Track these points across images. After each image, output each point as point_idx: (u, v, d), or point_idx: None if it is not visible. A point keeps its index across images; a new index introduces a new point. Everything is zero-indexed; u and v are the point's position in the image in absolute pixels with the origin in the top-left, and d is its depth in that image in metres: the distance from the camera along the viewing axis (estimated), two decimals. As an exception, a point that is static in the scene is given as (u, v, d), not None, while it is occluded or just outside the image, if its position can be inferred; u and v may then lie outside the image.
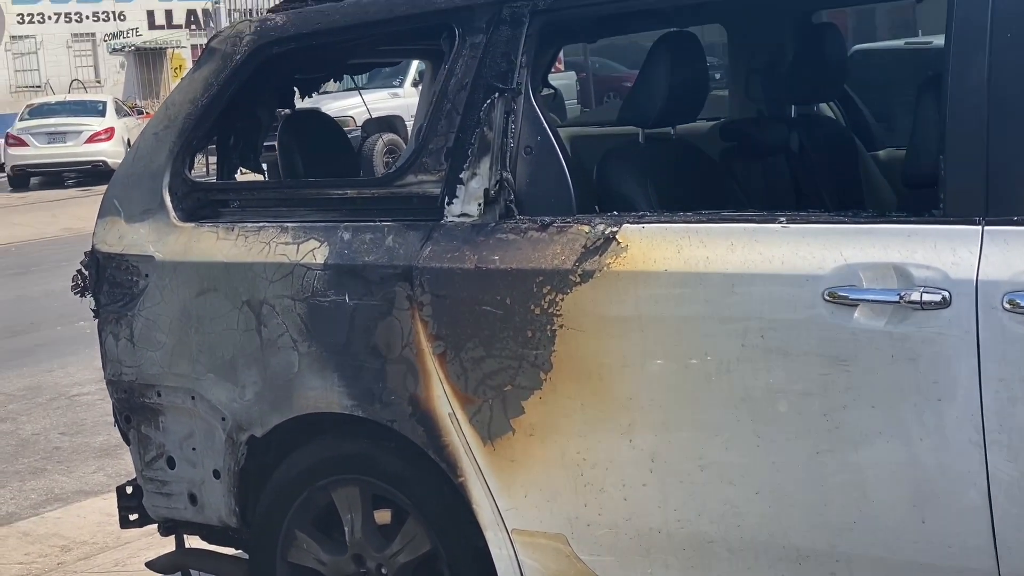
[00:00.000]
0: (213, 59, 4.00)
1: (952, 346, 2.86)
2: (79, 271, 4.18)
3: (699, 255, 3.15)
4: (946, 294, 2.86)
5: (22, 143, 27.19)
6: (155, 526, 4.29)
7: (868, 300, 2.94)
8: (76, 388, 9.12)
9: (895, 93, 6.07)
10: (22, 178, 27.44)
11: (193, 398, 3.90)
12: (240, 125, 4.18)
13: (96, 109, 28.26)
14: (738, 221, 3.18)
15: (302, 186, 4.03)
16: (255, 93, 4.12)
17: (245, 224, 3.83)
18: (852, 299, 2.96)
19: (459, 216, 3.49)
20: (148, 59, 37.42)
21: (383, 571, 3.71)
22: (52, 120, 27.43)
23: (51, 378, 9.50)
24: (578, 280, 3.26)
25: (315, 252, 3.65)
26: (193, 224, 3.93)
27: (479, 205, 3.47)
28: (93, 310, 4.16)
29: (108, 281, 4.05)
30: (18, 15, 34.69)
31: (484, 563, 3.50)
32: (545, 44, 3.65)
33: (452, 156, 3.51)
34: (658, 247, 3.20)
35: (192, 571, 4.43)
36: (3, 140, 27.87)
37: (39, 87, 34.27)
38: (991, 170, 2.89)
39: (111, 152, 27.10)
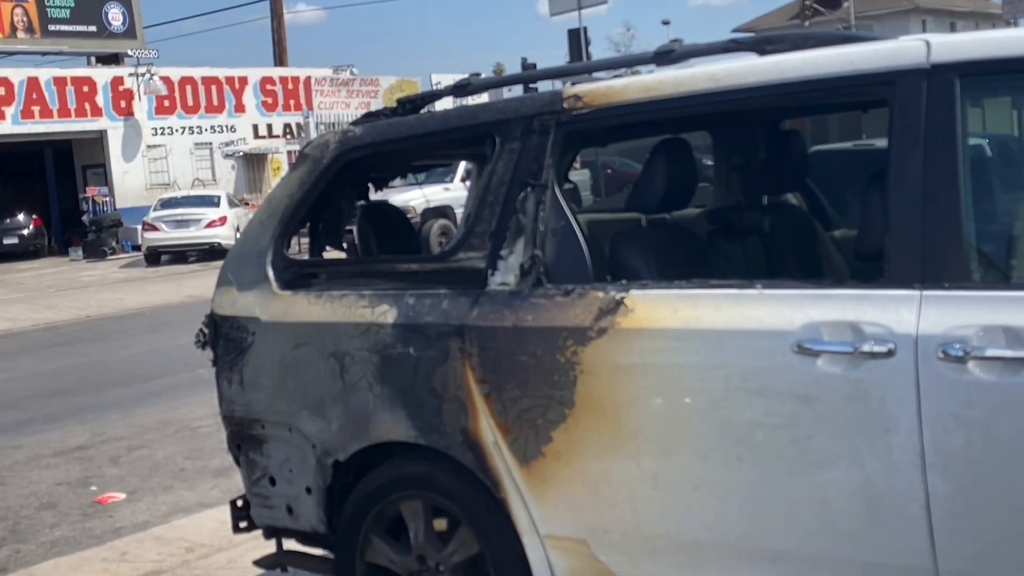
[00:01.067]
0: (305, 163, 4.01)
1: (897, 388, 2.80)
2: (201, 329, 4.17)
3: (691, 315, 3.11)
4: (892, 346, 2.81)
5: (155, 228, 27.34)
6: (260, 532, 4.25)
7: (829, 351, 2.89)
8: (197, 421, 9.09)
9: (846, 184, 6.02)
10: (155, 256, 27.55)
11: (290, 430, 3.87)
12: (326, 214, 4.16)
13: (212, 201, 28.36)
14: (723, 287, 3.13)
15: (375, 262, 4.00)
16: (338, 188, 4.11)
17: (331, 292, 3.81)
18: (816, 350, 2.90)
19: (500, 285, 3.47)
20: (253, 162, 37.59)
21: (440, 568, 3.64)
22: (178, 210, 27.55)
23: (177, 414, 9.47)
24: (594, 335, 3.22)
25: (386, 314, 3.63)
26: (290, 292, 3.91)
27: (515, 276, 3.44)
28: (212, 360, 4.14)
29: (224, 337, 4.04)
30: (152, 128, 35.00)
31: (522, 563, 3.44)
32: (567, 149, 3.63)
33: (494, 238, 3.49)
34: (658, 309, 3.17)
35: (290, 568, 4.39)
36: (141, 226, 28.04)
37: (168, 184, 34.43)
38: (926, 246, 2.85)
39: (224, 235, 27.22)
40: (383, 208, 4.43)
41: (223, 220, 27.40)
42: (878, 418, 2.83)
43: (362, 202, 4.32)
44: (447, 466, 3.55)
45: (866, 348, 2.84)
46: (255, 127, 37.79)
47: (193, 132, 36.04)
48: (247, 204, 31.93)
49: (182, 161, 35.62)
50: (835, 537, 2.93)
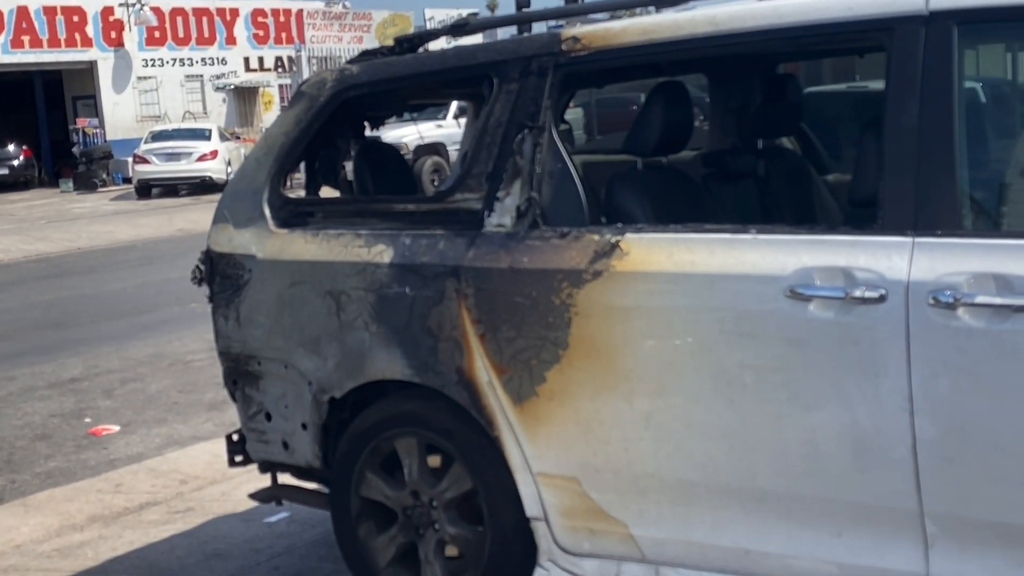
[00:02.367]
0: (302, 100, 3.99)
1: (887, 333, 2.83)
2: (197, 266, 4.17)
3: (686, 259, 3.13)
4: (883, 291, 2.84)
5: (146, 161, 27.22)
6: (254, 466, 4.30)
7: (821, 296, 2.91)
8: (191, 355, 9.13)
9: (840, 127, 6.02)
10: (145, 189, 27.46)
11: (286, 367, 3.89)
12: (323, 152, 4.16)
13: (204, 135, 28.20)
14: (717, 232, 3.15)
15: (372, 201, 3.99)
16: (335, 127, 4.09)
17: (327, 231, 3.82)
18: (808, 295, 2.93)
19: (496, 226, 3.48)
20: (244, 96, 37.33)
21: (434, 504, 3.68)
22: (169, 143, 27.41)
23: (171, 347, 9.51)
24: (589, 278, 3.24)
25: (383, 253, 3.64)
26: (287, 231, 3.91)
27: (512, 218, 3.45)
28: (208, 296, 4.16)
29: (220, 274, 4.05)
30: (143, 60, 34.68)
31: (514, 499, 3.48)
32: (564, 90, 3.62)
33: (491, 179, 3.49)
34: (653, 252, 3.18)
35: (284, 501, 4.44)
36: (131, 159, 27.90)
37: (159, 117, 34.18)
38: (919, 194, 2.87)
39: (215, 169, 27.13)
40: (379, 147, 4.42)
41: (214, 154, 27.28)
42: (868, 362, 2.86)
43: (359, 141, 4.30)
44: (442, 404, 3.58)
45: (858, 294, 2.86)
46: (246, 60, 37.49)
47: (184, 64, 35.74)
48: (238, 138, 31.74)
49: (173, 94, 35.35)
50: (822, 478, 2.97)
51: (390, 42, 4.02)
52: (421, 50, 3.96)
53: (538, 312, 3.31)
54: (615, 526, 3.31)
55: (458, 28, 3.90)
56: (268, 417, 4.01)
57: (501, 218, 3.46)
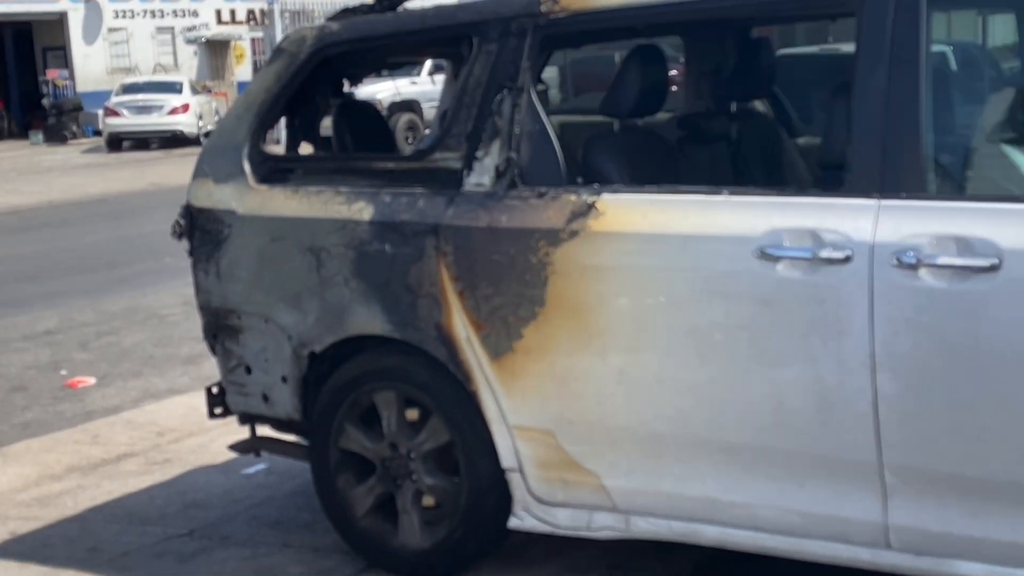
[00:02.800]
0: (282, 57, 4.02)
1: (852, 292, 2.94)
2: (177, 221, 4.22)
3: (660, 220, 3.22)
4: (849, 252, 2.94)
5: (117, 114, 27.02)
6: (232, 419, 4.37)
7: (789, 257, 3.01)
8: (165, 310, 9.16)
9: (811, 90, 6.08)
10: (116, 142, 27.27)
11: (266, 321, 3.95)
12: (302, 109, 4.20)
13: (175, 88, 28.00)
14: (690, 193, 3.24)
15: (352, 159, 4.05)
16: (314, 84, 4.13)
17: (308, 187, 3.87)
18: (777, 255, 3.03)
19: (475, 186, 3.54)
20: (215, 49, 36.99)
21: (411, 455, 3.76)
22: (140, 96, 27.22)
23: (145, 301, 9.53)
24: (566, 237, 3.32)
25: (363, 211, 3.70)
26: (267, 186, 3.96)
27: (491, 177, 3.52)
28: (188, 251, 4.21)
29: (200, 229, 4.09)
30: (114, 11, 34.30)
31: (490, 451, 3.58)
32: (543, 51, 3.68)
33: (470, 139, 3.56)
34: (628, 213, 3.27)
35: (262, 452, 4.52)
36: (102, 111, 27.67)
37: (129, 69, 33.86)
38: (886, 157, 2.96)
39: (187, 123, 27.00)
40: (358, 104, 4.47)
41: (186, 107, 27.11)
42: (832, 321, 2.97)
43: (338, 98, 4.35)
44: (420, 359, 3.66)
45: (824, 255, 2.96)
46: (218, 13, 37.13)
47: (155, 16, 35.37)
48: (210, 92, 31.51)
49: (144, 46, 35.00)
50: (787, 431, 3.09)
51: None
52: (401, 8, 4.00)
53: (516, 270, 3.40)
54: (588, 477, 3.42)
55: (438, -12, 3.95)
56: (248, 370, 4.07)
57: (480, 177, 3.53)
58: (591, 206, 3.31)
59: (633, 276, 3.24)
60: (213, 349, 4.24)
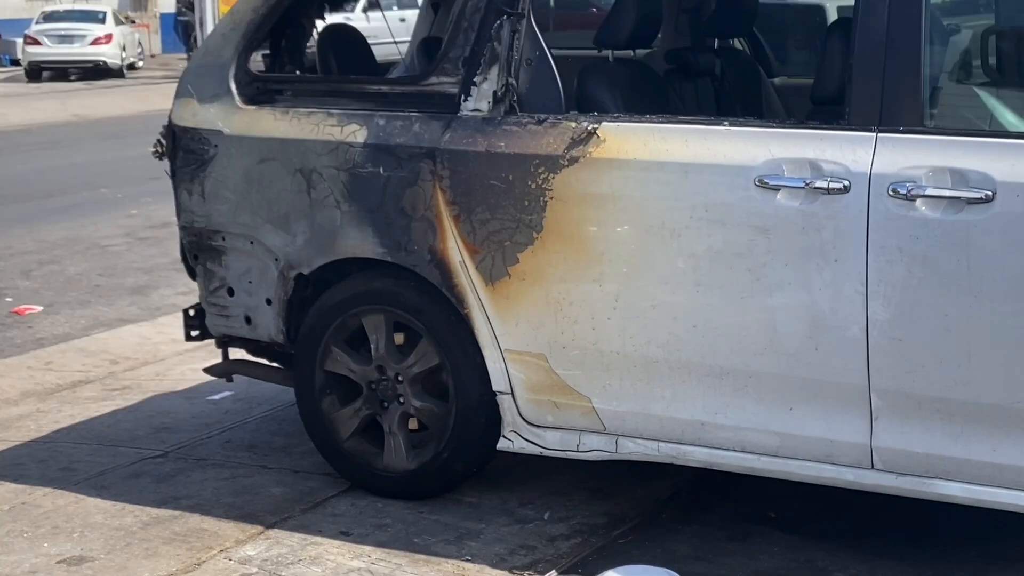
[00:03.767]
0: (272, -22, 4.03)
1: (849, 221, 3.07)
2: (158, 140, 4.22)
3: (661, 148, 3.31)
4: (847, 183, 3.07)
5: (37, 42, 26.32)
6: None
7: (788, 186, 3.14)
8: (106, 240, 9.08)
9: (784, 36, 6.21)
10: (36, 72, 26.58)
11: (252, 243, 3.97)
12: (289, 31, 4.21)
13: (98, 17, 27.37)
14: (691, 123, 3.34)
15: (344, 81, 4.06)
16: (302, 6, 4.15)
17: (298, 109, 3.88)
18: (776, 185, 3.15)
19: (472, 111, 3.60)
20: (138, -23, 36.23)
21: (399, 378, 3.83)
22: (62, 24, 26.54)
23: (84, 231, 9.42)
24: (566, 163, 3.41)
25: (356, 133, 3.73)
26: (254, 107, 3.97)
27: (489, 103, 3.58)
28: (169, 171, 4.21)
29: (183, 149, 4.08)
30: (31, -65, 33.28)
31: (480, 374, 3.66)
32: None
33: (468, 64, 3.61)
34: (629, 141, 3.36)
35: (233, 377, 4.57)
36: (22, 40, 26.93)
37: (48, -4, 33.01)
38: (885, 92, 3.09)
39: (110, 54, 26.46)
40: (344, 28, 4.48)
41: (109, 38, 26.55)
42: (828, 249, 3.11)
43: (324, 22, 4.36)
44: (412, 283, 3.73)
45: (823, 184, 3.09)
46: (141, -60, 36.19)
47: (75, -60, 34.35)
48: (133, 23, 30.84)
49: (64, -27, 34.02)
50: (779, 356, 3.23)
51: None
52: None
53: (514, 195, 3.47)
54: (579, 400, 3.54)
55: (432, -87, 3.98)
56: (231, 292, 4.10)
57: (478, 103, 3.59)
58: (592, 133, 3.39)
59: (633, 203, 3.34)
60: (192, 272, 4.26)
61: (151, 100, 22.31)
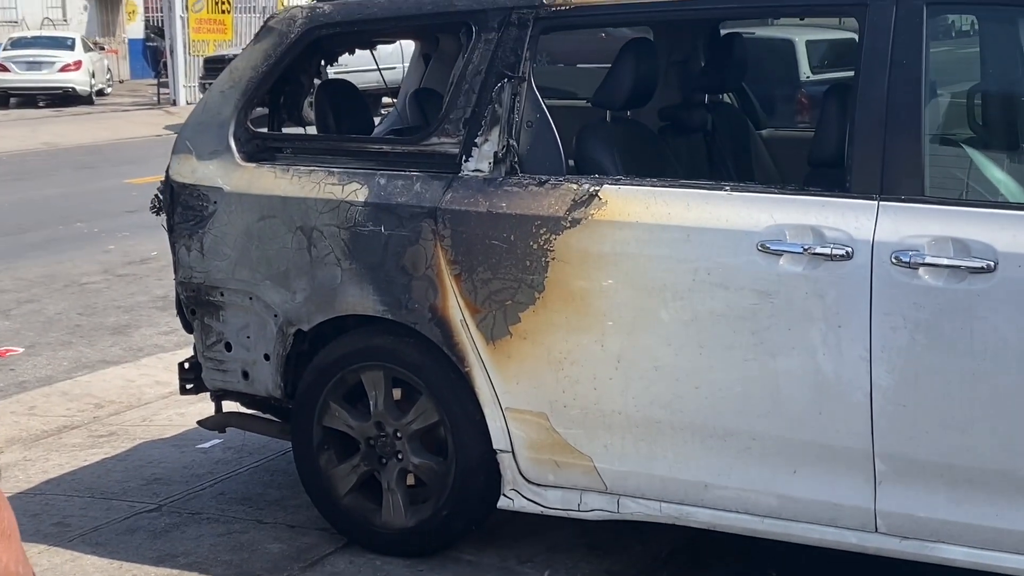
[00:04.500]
0: (271, 36, 4.02)
1: (852, 288, 3.11)
2: (156, 195, 4.21)
3: (663, 211, 3.34)
4: (850, 249, 3.11)
5: (5, 69, 26.02)
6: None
7: (791, 251, 3.17)
8: (85, 277, 8.99)
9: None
10: (4, 98, 26.26)
11: (251, 298, 3.97)
12: (288, 88, 4.21)
13: (66, 44, 27.11)
14: (693, 187, 3.37)
15: (345, 140, 4.08)
16: (301, 64, 4.15)
17: (298, 167, 3.89)
18: (778, 250, 3.18)
19: (473, 171, 3.62)
20: (107, 4, 35.99)
21: (398, 435, 3.82)
22: (30, 51, 26.27)
23: (62, 268, 9.32)
24: (568, 225, 3.43)
25: (357, 192, 3.74)
26: (254, 164, 3.97)
27: (490, 164, 3.60)
28: (167, 227, 4.18)
29: (182, 205, 4.07)
30: (-1, -39, 33.12)
31: (480, 432, 3.66)
32: (542, 40, 3.75)
33: (469, 125, 3.63)
34: (631, 203, 3.38)
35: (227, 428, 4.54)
36: (-12, 65, 26.69)
37: (15, 23, 32.75)
38: (886, 161, 3.13)
39: (79, 80, 26.26)
40: (340, 84, 4.49)
41: (78, 64, 26.34)
42: (832, 314, 3.14)
43: (320, 78, 4.37)
44: (412, 340, 3.73)
45: (826, 250, 3.13)
46: (110, -34, 36.07)
47: (44, -32, 34.19)
48: (102, 49, 30.68)
49: (31, -1, 33.84)
50: (782, 419, 3.25)
51: None
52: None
53: (515, 255, 3.49)
54: (580, 459, 3.54)
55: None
56: (228, 347, 4.09)
57: (479, 163, 3.61)
58: (594, 195, 3.42)
59: (635, 265, 3.36)
60: (189, 326, 4.24)
61: (121, 128, 22.23)
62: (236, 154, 4.00)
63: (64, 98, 26.03)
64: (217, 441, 5.13)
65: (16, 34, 28.76)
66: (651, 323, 3.36)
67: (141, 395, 6.07)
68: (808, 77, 10.43)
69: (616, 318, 3.40)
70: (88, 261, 9.56)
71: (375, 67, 4.65)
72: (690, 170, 4.20)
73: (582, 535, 3.97)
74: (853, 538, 3.24)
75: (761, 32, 8.82)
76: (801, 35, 10.55)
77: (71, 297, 8.41)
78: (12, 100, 26.35)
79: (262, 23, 4.17)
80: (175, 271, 4.19)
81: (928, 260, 3.02)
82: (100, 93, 27.74)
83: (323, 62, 4.43)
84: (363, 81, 7.58)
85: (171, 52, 25.40)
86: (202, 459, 5.01)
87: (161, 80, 26.77)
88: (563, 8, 3.57)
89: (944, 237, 3.02)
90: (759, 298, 3.22)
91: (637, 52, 3.80)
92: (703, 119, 4.43)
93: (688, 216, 3.30)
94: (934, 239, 3.03)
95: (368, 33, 4.11)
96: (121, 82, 33.10)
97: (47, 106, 26.15)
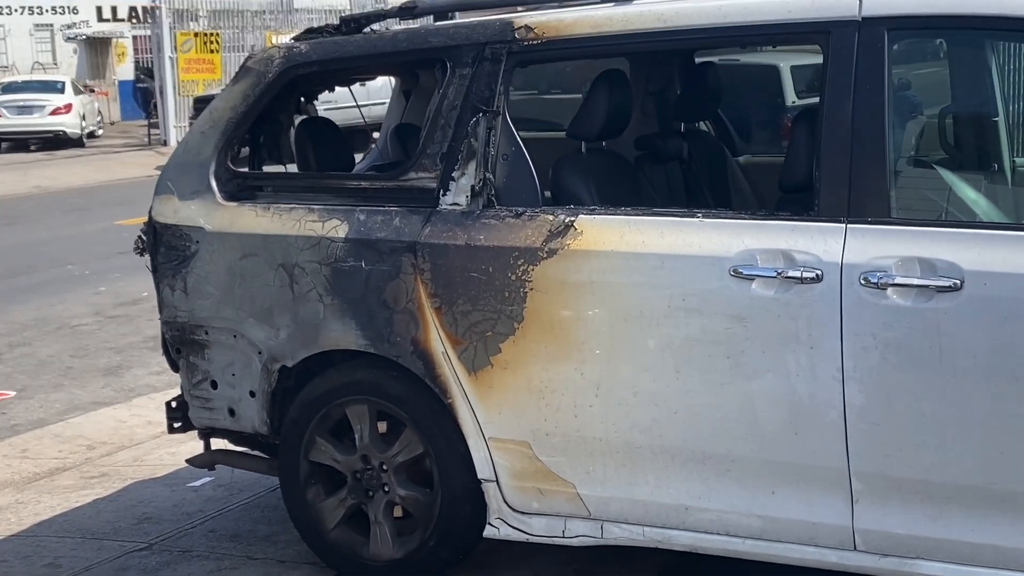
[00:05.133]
0: (249, 76, 4.09)
1: (822, 309, 3.16)
2: (139, 236, 4.26)
3: (637, 239, 3.39)
4: (819, 272, 3.16)
5: (-3, 114, 26.23)
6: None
7: (762, 276, 3.22)
8: (76, 320, 9.04)
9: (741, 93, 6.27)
10: (-5, 143, 26.47)
11: (235, 336, 4.01)
12: (267, 127, 4.27)
13: (57, 88, 27.21)
14: (666, 215, 3.43)
15: (325, 177, 4.13)
16: (280, 103, 4.22)
17: (279, 205, 3.94)
18: (750, 275, 3.23)
19: (451, 205, 3.67)
20: (96, 47, 36.24)
21: (384, 467, 3.86)
22: (21, 96, 26.39)
23: (54, 311, 9.38)
24: (544, 255, 3.48)
25: (337, 228, 3.79)
26: (235, 203, 4.02)
27: (467, 197, 3.65)
28: (150, 267, 4.23)
29: (165, 245, 4.12)
30: (-12, 7, 33.40)
31: (465, 462, 3.70)
32: (515, 74, 3.82)
33: (446, 159, 3.68)
34: (606, 233, 3.44)
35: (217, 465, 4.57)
36: (-20, 112, 26.78)
37: (6, 67, 32.98)
38: (852, 184, 3.19)
39: (70, 123, 26.37)
40: (318, 121, 4.55)
41: (68, 107, 26.45)
42: (804, 336, 3.19)
43: (298, 115, 4.43)
44: (395, 373, 3.77)
45: (796, 274, 3.18)
46: (99, 9, 36.36)
47: (33, 13, 34.47)
48: (92, 91, 30.82)
49: (21, 44, 34.06)
50: (760, 440, 3.29)
51: None
52: (368, 30, 4.11)
53: (494, 287, 3.54)
54: (563, 486, 3.58)
55: (407, 10, 4.07)
56: (214, 385, 4.12)
57: (456, 197, 3.66)
58: (569, 226, 3.47)
59: (611, 293, 3.41)
60: (175, 365, 4.28)
61: (112, 169, 22.32)
62: (217, 193, 4.06)
63: (55, 141, 26.13)
64: (208, 479, 5.17)
65: (6, 79, 28.91)
66: (629, 350, 3.41)
67: (133, 435, 6.11)
68: (794, 102, 10.52)
69: (594, 346, 3.44)
70: (80, 303, 9.61)
71: (361, 103, 4.71)
72: (667, 198, 4.27)
73: (569, 561, 4.00)
74: (833, 556, 3.28)
75: (746, 58, 8.89)
76: (786, 61, 10.61)
77: (63, 340, 8.45)
78: (3, 144, 26.44)
79: (241, 63, 4.23)
80: (160, 310, 4.23)
81: (896, 280, 3.07)
82: (91, 135, 27.85)
83: (303, 100, 4.48)
84: (350, 117, 7.67)
85: (161, 93, 25.54)
86: (193, 497, 5.04)
87: (152, 121, 26.89)
88: (535, 42, 3.64)
89: (911, 257, 3.08)
90: (733, 322, 3.26)
91: (610, 83, 3.86)
92: (679, 147, 4.49)
93: (662, 243, 3.36)
94: (901, 259, 3.08)
95: (346, 71, 4.17)
96: (112, 124, 33.24)
97: (38, 150, 26.25)
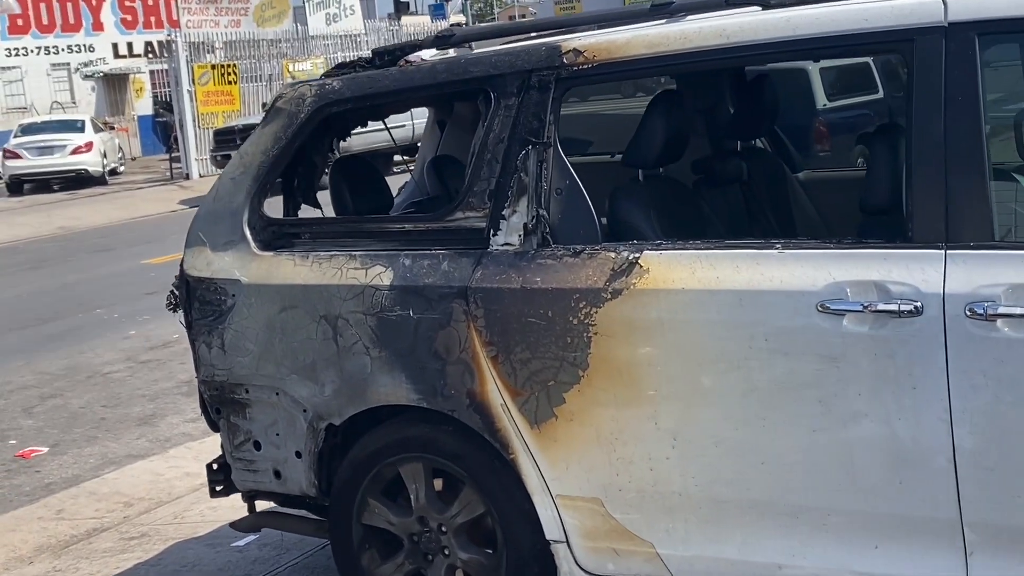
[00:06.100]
0: (280, 117, 3.83)
1: (924, 345, 2.86)
2: (171, 291, 4.01)
3: (711, 275, 3.11)
4: (918, 304, 2.86)
5: (17, 156, 26.13)
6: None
7: (854, 310, 2.92)
8: (107, 367, 8.82)
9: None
10: (17, 185, 26.37)
11: (278, 394, 3.76)
12: (301, 169, 4.02)
13: (76, 127, 27.20)
14: (740, 248, 3.13)
15: (365, 221, 3.86)
16: (314, 143, 3.96)
17: (318, 253, 3.69)
18: (840, 309, 2.94)
19: (503, 245, 3.41)
20: (114, 83, 36.29)
21: (443, 529, 3.61)
22: (41, 136, 26.37)
23: (84, 358, 9.17)
24: (609, 296, 3.20)
25: (382, 275, 3.54)
26: (272, 253, 3.78)
27: (519, 236, 3.38)
28: (185, 324, 3.99)
29: (199, 300, 3.88)
30: (6, 49, 33.40)
31: (531, 522, 3.43)
32: (564, 102, 3.55)
33: (495, 197, 3.41)
34: (675, 269, 3.16)
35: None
36: (1, 154, 26.74)
37: (25, 108, 33.00)
38: (949, 207, 2.90)
39: (91, 162, 26.32)
40: (356, 161, 4.28)
41: (89, 146, 26.42)
42: (904, 375, 2.89)
43: (335, 156, 4.16)
44: (450, 428, 3.50)
45: (892, 307, 2.88)
46: (115, 46, 36.41)
47: (49, 52, 34.54)
48: (112, 128, 30.82)
49: (39, 84, 34.13)
50: (859, 491, 2.99)
51: (271, 24, 3.88)
52: (402, 63, 3.85)
53: (554, 332, 3.26)
54: (641, 546, 3.29)
55: (443, 39, 3.80)
56: (257, 446, 3.87)
57: (508, 237, 3.39)
58: (634, 263, 3.19)
59: (684, 335, 3.13)
60: (215, 425, 4.02)
61: (136, 206, 22.20)
62: (252, 243, 3.80)
63: (77, 180, 26.09)
64: (252, 538, 4.91)
65: (26, 120, 28.91)
66: (707, 396, 3.12)
67: (171, 489, 5.86)
68: (825, 105, 10.23)
69: (669, 393, 3.16)
70: (110, 349, 9.40)
71: (383, 127, 4.44)
72: (729, 224, 3.98)
73: (646, 621, 3.71)
74: (946, 614, 2.98)
75: (772, 64, 8.61)
76: (814, 63, 10.34)
77: (94, 389, 8.23)
78: (26, 186, 26.43)
79: (270, 102, 3.97)
80: (196, 369, 3.98)
81: (1005, 310, 2.77)
82: (113, 172, 27.79)
83: (337, 139, 4.22)
84: (371, 142, 7.38)
85: (181, 126, 25.46)
86: (238, 559, 4.79)
87: (173, 155, 26.81)
88: (585, 67, 3.36)
89: (1021, 284, 2.78)
90: (823, 363, 2.97)
91: (667, 106, 3.58)
92: (738, 168, 4.20)
93: (738, 279, 3.07)
94: (1011, 287, 2.78)
95: (381, 106, 3.90)
96: (133, 159, 33.23)
97: (61, 189, 26.22)
